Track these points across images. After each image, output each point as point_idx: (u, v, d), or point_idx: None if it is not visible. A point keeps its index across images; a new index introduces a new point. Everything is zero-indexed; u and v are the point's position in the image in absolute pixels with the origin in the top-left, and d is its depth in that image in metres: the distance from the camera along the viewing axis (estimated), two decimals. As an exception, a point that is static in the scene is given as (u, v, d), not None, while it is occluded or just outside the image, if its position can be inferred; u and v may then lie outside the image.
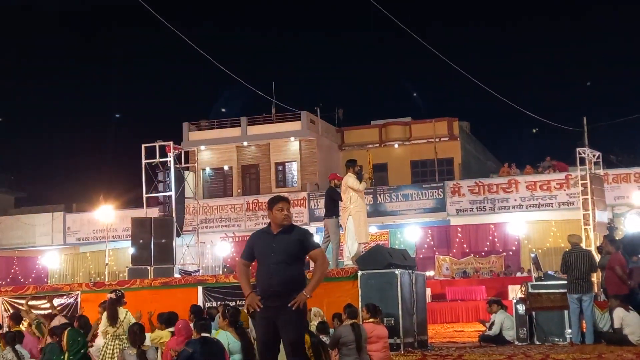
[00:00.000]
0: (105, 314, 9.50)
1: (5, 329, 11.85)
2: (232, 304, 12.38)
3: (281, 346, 6.57)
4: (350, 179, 13.24)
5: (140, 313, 11.08)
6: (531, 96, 63.36)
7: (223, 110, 38.47)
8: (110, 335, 9.05)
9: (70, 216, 32.83)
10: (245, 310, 9.97)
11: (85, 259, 32.37)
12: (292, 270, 6.48)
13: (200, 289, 13.76)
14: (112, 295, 9.46)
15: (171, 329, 10.19)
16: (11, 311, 14.13)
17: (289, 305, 6.32)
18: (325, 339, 9.67)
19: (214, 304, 13.02)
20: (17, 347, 9.84)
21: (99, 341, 9.86)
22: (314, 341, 9.03)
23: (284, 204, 6.61)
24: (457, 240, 28.08)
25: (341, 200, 13.59)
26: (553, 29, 71.51)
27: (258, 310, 6.45)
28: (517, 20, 72.34)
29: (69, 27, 70.70)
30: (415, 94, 41.73)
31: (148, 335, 9.58)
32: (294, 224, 6.77)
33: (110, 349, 8.96)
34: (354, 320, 9.71)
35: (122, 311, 9.31)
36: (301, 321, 6.60)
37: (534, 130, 40.76)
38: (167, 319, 10.32)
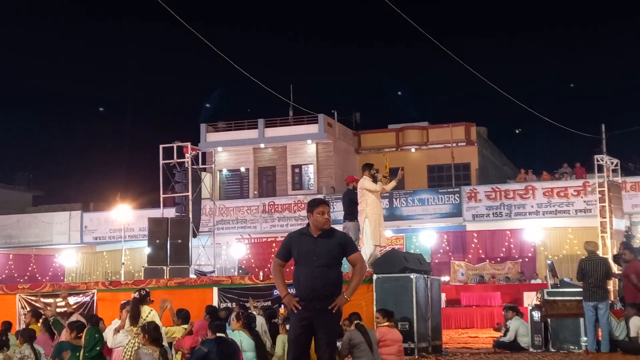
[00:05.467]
0: (128, 313, 9.54)
1: (23, 325, 11.96)
2: (246, 305, 12.44)
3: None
4: (366, 182, 13.27)
5: (170, 302, 10.95)
6: (549, 102, 63.06)
7: (223, 97, 38.38)
8: (134, 334, 9.09)
9: (88, 215, 33.01)
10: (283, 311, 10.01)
11: (102, 258, 32.52)
12: (333, 273, 6.57)
13: (215, 289, 13.78)
14: (136, 295, 9.50)
15: (185, 326, 10.28)
16: (28, 308, 14.25)
17: (329, 307, 6.41)
18: (338, 342, 9.68)
19: (229, 305, 13.06)
20: (34, 344, 9.92)
21: (119, 337, 9.90)
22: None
23: (325, 207, 6.66)
24: (473, 245, 27.98)
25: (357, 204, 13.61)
26: (571, 35, 71.20)
27: (296, 311, 6.50)
28: (535, 27, 72.06)
29: (89, 27, 71.20)
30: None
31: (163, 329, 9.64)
32: (333, 227, 6.81)
33: (130, 347, 9.00)
34: (357, 321, 9.74)
35: (145, 309, 9.33)
36: (338, 324, 6.78)
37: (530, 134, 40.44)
38: (185, 316, 10.41)
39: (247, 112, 38.44)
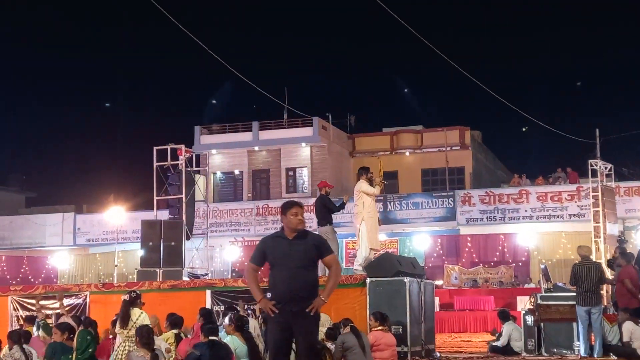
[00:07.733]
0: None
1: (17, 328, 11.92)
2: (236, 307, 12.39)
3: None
4: (363, 185, 13.32)
5: (157, 318, 10.97)
6: (544, 107, 63.14)
7: (215, 102, 38.49)
8: (124, 337, 9.03)
9: (81, 217, 32.91)
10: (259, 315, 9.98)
11: (95, 260, 32.43)
12: (310, 275, 6.54)
13: (208, 292, 13.75)
14: (126, 297, 9.44)
15: (176, 331, 10.23)
16: (20, 310, 14.22)
17: (307, 310, 6.35)
18: (332, 345, 9.66)
19: (222, 308, 13.02)
20: (25, 345, 9.86)
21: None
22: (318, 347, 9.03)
23: (298, 208, 6.60)
24: (467, 249, 28.00)
25: (331, 209, 13.76)
26: (566, 40, 71.40)
27: (272, 315, 6.45)
28: (531, 31, 72.25)
29: (81, 29, 71.07)
30: (405, 90, 41.72)
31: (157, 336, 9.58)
32: (307, 229, 6.78)
33: (121, 351, 8.93)
34: (352, 324, 9.73)
35: (135, 312, 9.25)
36: (317, 326, 6.66)
37: (524, 129, 40.54)
38: (174, 321, 10.34)
39: (241, 114, 38.29)
